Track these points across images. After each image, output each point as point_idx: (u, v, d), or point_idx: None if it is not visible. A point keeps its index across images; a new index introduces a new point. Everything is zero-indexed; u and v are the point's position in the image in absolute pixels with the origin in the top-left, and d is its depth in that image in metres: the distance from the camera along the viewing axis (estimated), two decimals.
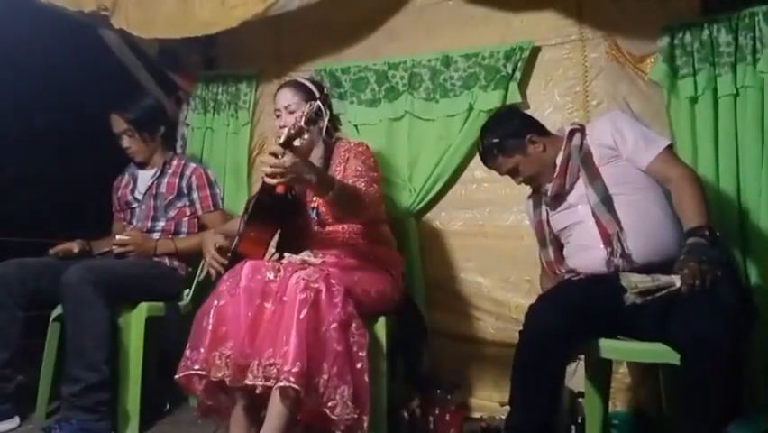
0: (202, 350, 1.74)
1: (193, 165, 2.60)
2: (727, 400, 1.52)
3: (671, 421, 1.86)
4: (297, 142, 1.66)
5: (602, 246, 1.79)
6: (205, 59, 3.03)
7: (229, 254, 1.98)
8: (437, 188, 2.54)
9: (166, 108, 2.89)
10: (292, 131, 1.66)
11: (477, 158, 2.50)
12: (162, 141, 2.61)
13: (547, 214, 2.02)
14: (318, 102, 1.73)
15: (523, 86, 2.44)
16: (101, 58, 2.89)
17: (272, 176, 1.65)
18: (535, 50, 2.44)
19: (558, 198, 1.94)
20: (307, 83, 2.16)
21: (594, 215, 1.82)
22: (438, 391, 2.25)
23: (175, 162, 2.60)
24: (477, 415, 2.37)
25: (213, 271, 2.00)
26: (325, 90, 2.20)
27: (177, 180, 2.54)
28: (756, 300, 1.90)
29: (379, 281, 2.00)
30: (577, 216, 1.89)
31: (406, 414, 2.17)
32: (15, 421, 2.25)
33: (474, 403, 2.43)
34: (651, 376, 2.15)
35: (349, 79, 2.66)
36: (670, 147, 1.84)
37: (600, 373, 1.85)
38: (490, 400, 2.42)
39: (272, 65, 2.86)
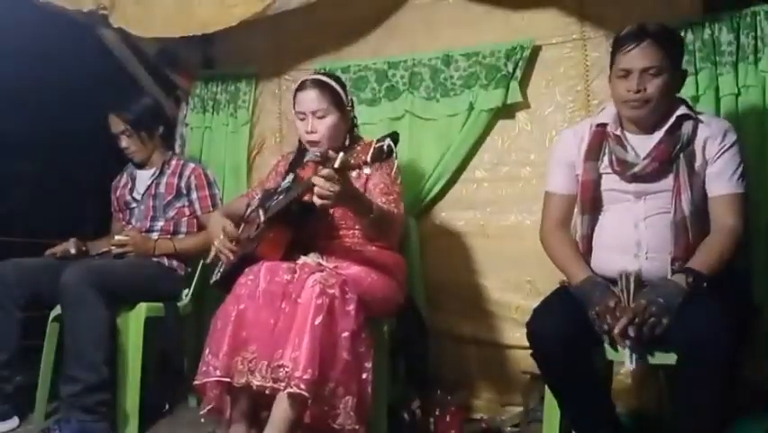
0: (223, 356, 1.71)
1: (192, 165, 2.60)
2: (724, 401, 1.51)
3: (672, 423, 1.85)
4: (353, 174, 1.61)
5: (633, 254, 1.69)
6: (204, 58, 3.02)
7: (236, 246, 1.97)
8: (438, 188, 2.53)
9: (164, 108, 2.89)
10: (352, 161, 1.56)
11: (477, 158, 2.52)
12: (161, 141, 2.61)
13: (599, 173, 1.77)
14: (389, 140, 1.52)
15: (524, 85, 2.43)
16: (100, 57, 2.88)
17: (321, 197, 1.60)
18: (536, 49, 2.43)
19: (635, 179, 1.72)
20: (333, 84, 2.05)
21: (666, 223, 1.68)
22: (439, 391, 2.25)
23: (174, 162, 2.59)
24: (477, 416, 2.37)
25: (223, 257, 1.99)
26: (348, 91, 2.13)
27: (176, 180, 2.53)
28: (758, 300, 1.90)
29: (386, 287, 1.98)
30: (640, 209, 1.72)
31: (406, 415, 2.17)
32: (14, 422, 2.26)
33: (475, 404, 2.42)
34: (652, 378, 2.15)
35: (349, 78, 2.65)
36: (743, 195, 1.71)
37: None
38: (491, 400, 2.42)
39: (271, 64, 2.85)
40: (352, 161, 1.55)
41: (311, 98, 2.00)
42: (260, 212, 1.99)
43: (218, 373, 1.71)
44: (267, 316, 1.71)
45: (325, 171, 1.58)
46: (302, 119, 2.03)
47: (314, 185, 1.61)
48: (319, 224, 2.01)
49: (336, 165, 1.56)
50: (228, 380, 1.70)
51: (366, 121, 2.62)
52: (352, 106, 2.13)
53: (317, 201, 1.62)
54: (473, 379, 2.46)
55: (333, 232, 2.02)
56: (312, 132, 2.01)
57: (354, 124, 2.16)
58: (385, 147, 1.52)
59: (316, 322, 1.64)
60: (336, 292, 1.71)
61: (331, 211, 1.99)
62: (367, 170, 1.57)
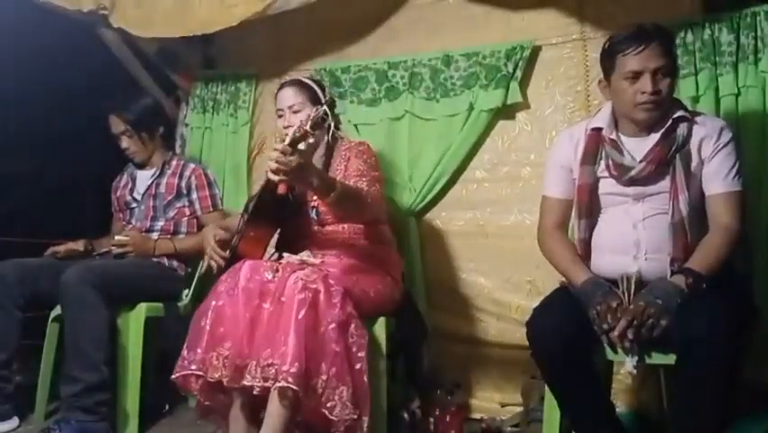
0: (199, 350, 1.74)
1: (192, 165, 2.60)
2: (724, 402, 1.51)
3: (672, 423, 1.86)
4: (301, 146, 1.65)
5: (632, 255, 1.70)
6: (205, 58, 3.02)
7: (228, 253, 1.98)
8: (438, 188, 2.53)
9: (165, 108, 2.89)
10: (297, 134, 1.65)
11: (477, 158, 2.52)
12: (161, 141, 2.61)
13: (596, 177, 1.78)
14: (325, 106, 1.72)
15: (524, 85, 2.43)
16: (100, 57, 2.89)
17: (276, 172, 1.64)
18: (536, 50, 2.43)
19: (633, 182, 1.72)
20: (310, 83, 2.15)
21: (666, 225, 1.67)
22: (438, 391, 2.25)
23: (174, 162, 2.59)
24: (477, 416, 2.37)
25: (213, 264, 2.00)
26: (327, 91, 2.19)
27: (176, 181, 2.54)
28: (758, 301, 1.90)
29: (379, 282, 1.99)
30: (638, 211, 1.72)
31: (406, 415, 2.17)
32: (14, 422, 2.26)
33: (474, 404, 2.43)
34: (652, 377, 2.15)
35: (349, 79, 2.65)
36: (740, 193, 1.70)
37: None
38: (491, 400, 2.42)
39: (272, 64, 2.85)
40: (298, 134, 1.65)
41: (288, 95, 2.11)
42: (244, 216, 2.03)
43: (193, 367, 1.73)
44: (244, 313, 1.73)
45: (277, 146, 1.67)
46: (280, 116, 2.12)
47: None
48: (303, 219, 2.03)
49: (286, 141, 1.66)
50: (201, 374, 1.72)
51: (366, 121, 2.63)
52: (333, 107, 2.15)
53: (272, 176, 1.65)
54: (473, 379, 2.46)
55: (321, 228, 2.04)
56: (288, 126, 2.06)
57: (337, 124, 2.18)
58: (321, 113, 1.69)
59: (300, 316, 1.66)
60: (319, 286, 1.73)
61: (313, 204, 2.01)
62: (311, 139, 1.67)
